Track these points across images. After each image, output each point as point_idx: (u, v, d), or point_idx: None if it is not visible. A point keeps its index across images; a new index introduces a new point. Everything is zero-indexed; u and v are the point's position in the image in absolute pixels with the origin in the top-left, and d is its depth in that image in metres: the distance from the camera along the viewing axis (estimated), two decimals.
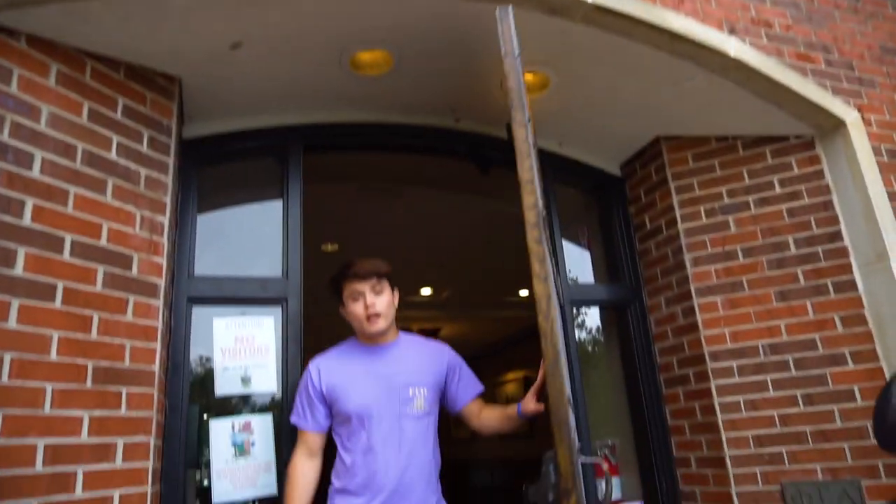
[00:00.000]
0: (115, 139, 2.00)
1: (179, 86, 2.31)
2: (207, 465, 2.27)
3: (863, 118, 2.75)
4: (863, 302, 2.61)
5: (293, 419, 2.15)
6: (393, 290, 2.21)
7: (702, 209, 2.92)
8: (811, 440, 2.56)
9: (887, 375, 2.51)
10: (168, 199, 2.14)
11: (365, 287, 2.10)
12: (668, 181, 2.99)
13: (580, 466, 1.50)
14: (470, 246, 4.99)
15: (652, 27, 2.34)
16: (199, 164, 2.54)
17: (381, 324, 2.10)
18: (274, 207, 2.62)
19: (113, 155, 1.98)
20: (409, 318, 7.21)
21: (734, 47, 2.50)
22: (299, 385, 2.18)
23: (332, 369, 2.14)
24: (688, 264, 2.87)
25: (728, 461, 2.62)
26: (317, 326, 2.94)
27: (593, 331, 3.45)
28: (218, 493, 2.25)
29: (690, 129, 2.96)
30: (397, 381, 2.11)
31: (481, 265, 5.49)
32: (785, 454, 2.58)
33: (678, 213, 2.94)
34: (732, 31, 2.59)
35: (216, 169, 2.65)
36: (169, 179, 2.15)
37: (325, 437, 2.15)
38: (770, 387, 2.65)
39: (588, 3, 2.20)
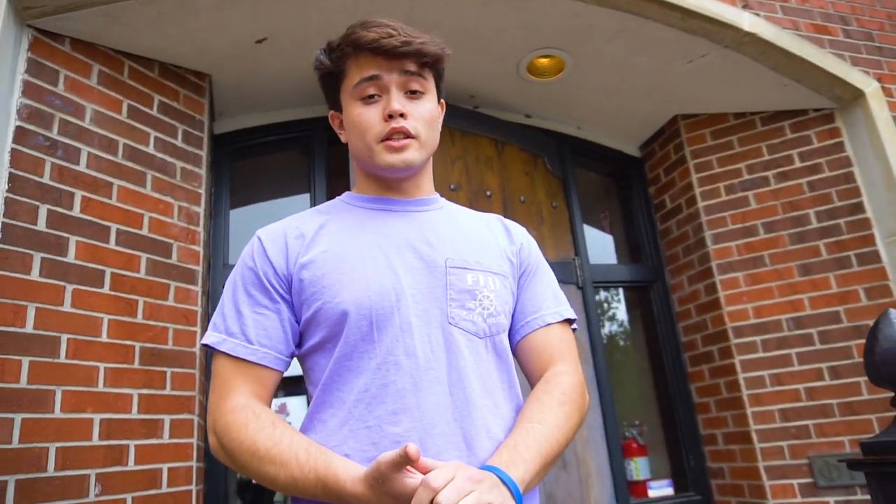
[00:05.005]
0: (153, 134, 2.12)
1: (210, 82, 2.42)
2: None
3: (883, 88, 2.74)
4: (887, 273, 2.61)
5: (214, 342, 1.02)
6: (440, 98, 1.17)
7: (721, 186, 2.94)
8: (838, 413, 2.58)
9: None
10: (203, 190, 2.25)
11: (389, 76, 1.08)
12: (686, 160, 3.02)
13: None
14: None
15: (663, 3, 2.37)
16: (230, 158, 2.65)
17: (411, 153, 1.07)
18: (302, 199, 2.73)
19: (151, 149, 2.10)
20: None
21: (748, 21, 2.52)
22: (234, 274, 1.08)
23: (312, 233, 1.08)
24: (708, 241, 2.90)
25: (754, 436, 2.65)
26: None
27: (618, 312, 3.49)
28: None
29: (708, 107, 2.98)
30: (441, 259, 1.06)
31: None
32: (811, 428, 2.60)
33: (697, 192, 2.96)
34: (746, 6, 2.60)
35: (246, 162, 2.77)
36: (203, 171, 2.26)
37: (280, 379, 1.06)
38: (795, 361, 2.67)
39: None
